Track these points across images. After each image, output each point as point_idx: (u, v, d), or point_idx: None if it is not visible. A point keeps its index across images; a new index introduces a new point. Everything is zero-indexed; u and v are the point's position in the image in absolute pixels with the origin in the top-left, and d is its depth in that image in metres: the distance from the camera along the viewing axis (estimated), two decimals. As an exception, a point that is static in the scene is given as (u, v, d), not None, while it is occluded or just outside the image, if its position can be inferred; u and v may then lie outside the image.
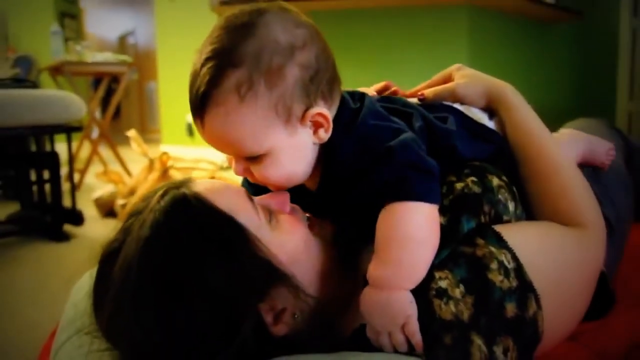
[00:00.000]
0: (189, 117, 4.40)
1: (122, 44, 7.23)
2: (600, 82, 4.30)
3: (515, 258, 0.56)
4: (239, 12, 0.54)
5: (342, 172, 0.57)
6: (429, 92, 0.75)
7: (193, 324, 0.48)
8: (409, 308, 0.51)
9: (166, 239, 0.49)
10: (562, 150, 0.71)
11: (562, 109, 3.42)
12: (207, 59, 0.52)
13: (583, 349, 0.68)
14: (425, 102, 0.74)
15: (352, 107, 0.59)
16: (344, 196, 0.58)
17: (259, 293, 0.51)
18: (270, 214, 0.57)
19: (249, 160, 0.56)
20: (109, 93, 4.17)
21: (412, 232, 0.52)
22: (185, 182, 0.56)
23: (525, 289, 0.55)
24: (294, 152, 0.56)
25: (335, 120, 0.56)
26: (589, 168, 0.88)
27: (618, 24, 4.29)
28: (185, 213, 0.51)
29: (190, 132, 4.44)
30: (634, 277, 0.88)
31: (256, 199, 0.58)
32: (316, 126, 0.56)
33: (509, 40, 3.67)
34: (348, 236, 0.63)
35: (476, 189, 0.61)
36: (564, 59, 4.32)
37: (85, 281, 0.74)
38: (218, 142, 0.55)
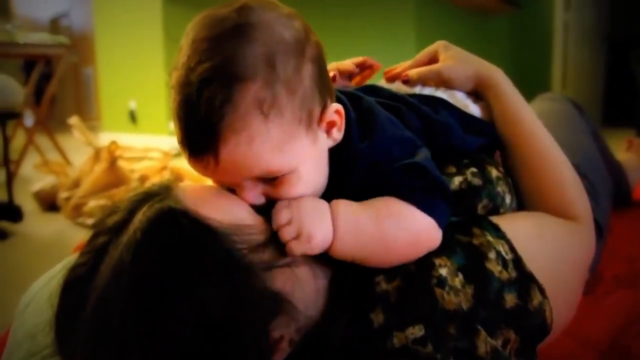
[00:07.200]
0: (132, 104, 4.25)
1: (54, 27, 6.74)
2: (536, 71, 4.52)
3: (513, 249, 0.54)
4: (218, 15, 0.45)
5: (357, 176, 0.52)
6: (413, 74, 0.70)
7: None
8: (322, 239, 0.47)
9: (153, 267, 0.41)
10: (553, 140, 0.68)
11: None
12: (206, 79, 0.42)
13: (568, 339, 0.70)
14: (409, 85, 0.69)
15: (352, 106, 0.54)
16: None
17: (263, 325, 0.44)
18: None
19: (266, 182, 0.48)
20: (40, 78, 3.89)
21: (395, 230, 0.48)
22: (169, 191, 0.46)
23: (526, 279, 0.53)
24: (318, 161, 0.50)
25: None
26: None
27: (552, 17, 4.51)
28: (174, 235, 0.42)
29: (132, 118, 4.23)
30: (604, 266, 0.91)
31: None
32: (329, 126, 0.50)
33: (453, 30, 3.76)
34: None
35: (476, 182, 0.59)
36: (503, 49, 4.50)
37: (31, 295, 0.64)
38: (236, 172, 0.46)
